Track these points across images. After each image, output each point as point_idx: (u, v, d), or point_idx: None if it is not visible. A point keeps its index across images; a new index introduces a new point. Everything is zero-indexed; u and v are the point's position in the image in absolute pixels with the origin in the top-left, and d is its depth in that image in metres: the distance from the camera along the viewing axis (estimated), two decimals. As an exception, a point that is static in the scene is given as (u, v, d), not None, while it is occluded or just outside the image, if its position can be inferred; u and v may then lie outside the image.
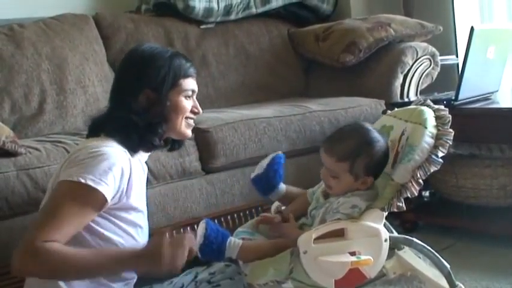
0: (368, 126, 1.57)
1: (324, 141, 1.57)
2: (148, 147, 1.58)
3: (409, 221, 2.65)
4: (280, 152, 1.72)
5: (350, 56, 2.89)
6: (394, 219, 2.59)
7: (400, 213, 2.59)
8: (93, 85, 2.58)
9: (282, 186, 1.70)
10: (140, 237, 1.56)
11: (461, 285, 1.59)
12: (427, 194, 2.91)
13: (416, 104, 1.68)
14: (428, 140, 1.48)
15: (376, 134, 1.53)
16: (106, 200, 1.41)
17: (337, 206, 1.50)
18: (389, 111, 1.76)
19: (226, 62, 3.02)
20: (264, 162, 1.69)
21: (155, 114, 1.54)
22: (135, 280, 1.60)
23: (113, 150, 1.46)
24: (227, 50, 3.04)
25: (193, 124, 1.66)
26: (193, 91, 1.62)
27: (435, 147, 1.48)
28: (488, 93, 2.58)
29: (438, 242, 2.32)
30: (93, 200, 1.39)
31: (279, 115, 2.41)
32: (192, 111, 1.62)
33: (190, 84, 1.61)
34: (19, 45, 2.48)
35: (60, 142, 2.02)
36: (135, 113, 1.52)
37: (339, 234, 1.45)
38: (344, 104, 2.61)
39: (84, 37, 2.68)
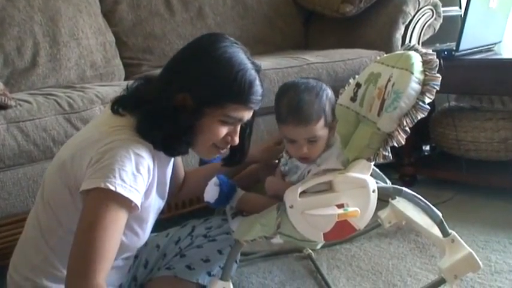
0: (300, 79, 1.56)
1: (284, 118, 1.48)
2: (170, 152, 1.38)
3: (409, 174, 2.64)
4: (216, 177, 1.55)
5: (350, 6, 2.82)
6: (394, 172, 2.59)
7: (400, 167, 2.62)
8: (87, 37, 2.52)
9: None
10: (144, 233, 1.45)
11: (454, 233, 1.58)
12: (427, 147, 2.90)
13: (404, 49, 1.62)
14: (414, 86, 1.43)
15: (312, 81, 1.52)
16: (137, 208, 1.27)
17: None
18: (378, 57, 1.70)
19: (223, 14, 2.94)
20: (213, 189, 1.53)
21: (183, 122, 1.32)
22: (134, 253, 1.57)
23: (138, 146, 1.28)
24: (224, 1, 2.96)
25: (221, 152, 1.43)
26: (239, 120, 1.38)
27: (422, 93, 1.43)
28: (491, 44, 2.52)
29: (437, 195, 2.32)
30: (125, 209, 1.25)
31: (276, 67, 2.35)
32: (223, 139, 1.39)
33: (239, 112, 1.36)
34: (10, -3, 2.42)
35: (51, 95, 1.98)
36: (163, 109, 1.31)
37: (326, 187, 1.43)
38: (343, 56, 2.54)
39: (77, -12, 2.61)
